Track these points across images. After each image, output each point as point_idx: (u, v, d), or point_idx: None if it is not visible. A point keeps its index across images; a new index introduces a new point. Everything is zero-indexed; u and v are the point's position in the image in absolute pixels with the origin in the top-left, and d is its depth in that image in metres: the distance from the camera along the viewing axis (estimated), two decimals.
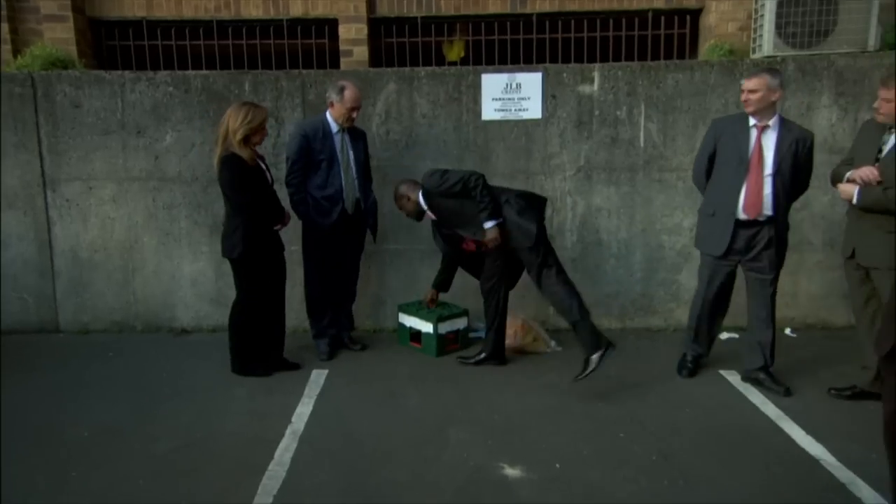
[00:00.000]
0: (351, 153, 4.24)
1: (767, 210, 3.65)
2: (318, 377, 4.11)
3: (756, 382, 3.88)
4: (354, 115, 4.16)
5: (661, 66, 4.77)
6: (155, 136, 4.85)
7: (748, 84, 3.61)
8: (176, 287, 5.03)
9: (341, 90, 4.08)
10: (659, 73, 4.72)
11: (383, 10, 5.60)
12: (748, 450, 3.18)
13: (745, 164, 3.65)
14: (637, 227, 4.91)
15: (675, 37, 5.50)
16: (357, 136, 4.33)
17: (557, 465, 3.06)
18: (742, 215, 3.68)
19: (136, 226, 4.96)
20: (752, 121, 3.66)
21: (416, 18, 5.56)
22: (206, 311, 5.04)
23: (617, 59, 5.37)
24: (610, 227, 4.92)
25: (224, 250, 3.91)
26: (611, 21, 5.50)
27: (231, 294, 5.06)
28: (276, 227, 3.98)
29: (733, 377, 4.04)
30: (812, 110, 4.67)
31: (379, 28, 5.62)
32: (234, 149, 3.71)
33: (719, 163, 3.78)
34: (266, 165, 3.99)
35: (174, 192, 4.92)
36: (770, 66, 3.96)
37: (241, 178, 3.74)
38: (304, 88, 4.82)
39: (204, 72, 4.86)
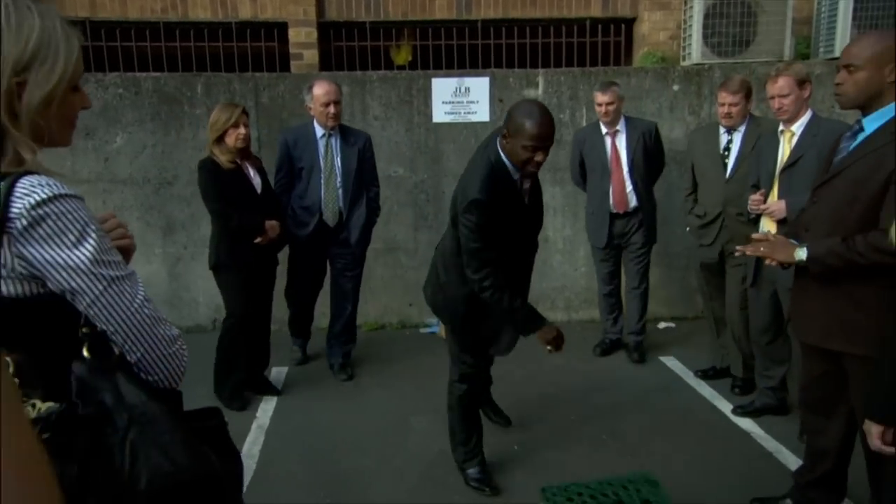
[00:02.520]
0: (338, 160, 3.92)
1: (633, 202, 4.22)
2: (278, 374, 4.20)
3: (623, 346, 4.55)
4: (332, 110, 3.81)
5: (601, 72, 5.07)
6: (105, 138, 4.82)
7: (602, 97, 4.12)
8: None
9: (309, 89, 3.86)
10: (598, 78, 5.01)
11: (332, 14, 5.70)
12: (688, 427, 3.47)
13: (607, 169, 4.23)
14: (581, 224, 5.18)
15: (611, 44, 5.82)
16: (352, 140, 3.99)
17: (516, 447, 3.27)
18: (614, 210, 4.24)
19: None
20: (604, 129, 4.22)
21: (364, 23, 5.68)
22: None
23: (559, 64, 5.64)
24: (556, 224, 5.18)
25: (207, 260, 3.74)
26: (552, 28, 5.78)
27: (186, 296, 5.09)
28: (256, 241, 3.59)
29: (672, 363, 4.35)
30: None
31: (328, 32, 5.72)
32: (213, 153, 3.54)
33: (588, 169, 4.36)
34: (261, 173, 3.72)
35: (125, 193, 4.89)
36: (612, 81, 4.29)
37: (211, 183, 3.52)
38: (257, 91, 4.89)
39: (155, 74, 4.86)
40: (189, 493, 1.02)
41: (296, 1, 5.52)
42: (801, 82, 3.12)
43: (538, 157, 2.51)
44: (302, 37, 5.58)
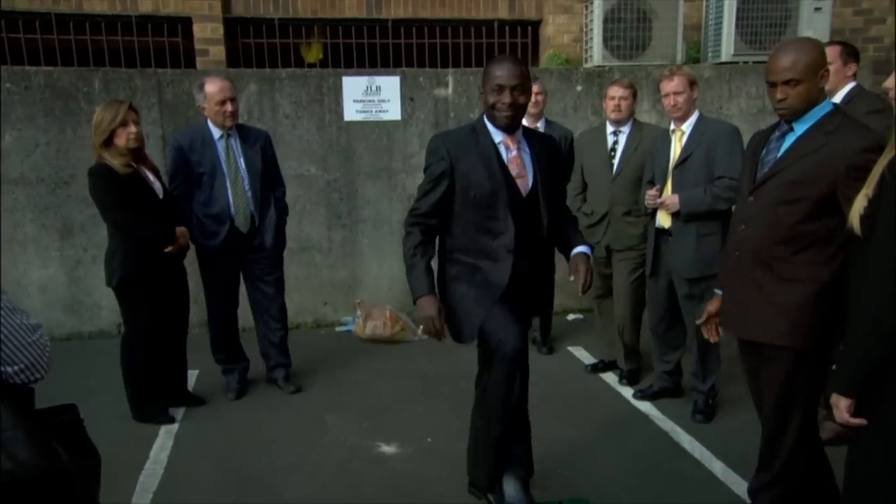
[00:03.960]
0: (241, 160, 3.64)
1: None
2: (189, 377, 4.09)
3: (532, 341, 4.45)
4: (229, 108, 3.55)
5: None
6: None
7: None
8: (23, 295, 4.72)
9: (201, 87, 3.58)
10: None
11: (239, 10, 5.59)
12: (595, 412, 3.65)
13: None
14: None
15: (518, 45, 6.00)
16: (252, 139, 3.73)
17: (429, 440, 3.35)
18: None
19: None
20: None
21: (273, 20, 5.61)
22: (58, 319, 4.79)
23: (468, 64, 5.76)
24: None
25: (106, 277, 3.41)
26: (461, 28, 5.89)
27: (88, 300, 4.87)
28: (167, 250, 3.35)
29: (580, 352, 4.55)
30: (637, 114, 5.33)
31: (235, 28, 5.60)
32: (104, 157, 3.22)
33: None
34: (158, 176, 3.46)
35: (17, 194, 4.63)
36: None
37: (110, 192, 3.21)
38: (161, 88, 4.74)
39: (47, 68, 4.62)
40: (35, 489, 1.02)
41: None
42: (692, 83, 3.35)
43: (504, 99, 2.37)
44: (207, 32, 5.45)
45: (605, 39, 5.29)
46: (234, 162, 3.64)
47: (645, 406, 3.69)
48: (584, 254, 2.53)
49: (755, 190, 2.27)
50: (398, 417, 3.60)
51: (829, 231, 2.14)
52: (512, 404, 2.52)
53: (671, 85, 3.32)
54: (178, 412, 3.63)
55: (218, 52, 5.46)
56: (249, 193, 3.66)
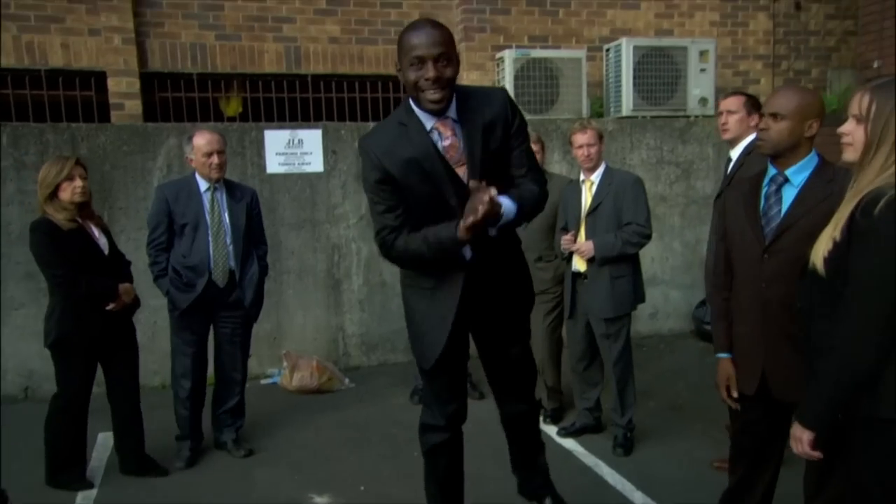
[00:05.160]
0: (226, 215, 3.62)
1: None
2: (105, 440, 3.93)
3: None
4: (216, 160, 3.52)
5: None
6: None
7: None
8: None
9: (189, 139, 3.57)
10: None
11: (156, 64, 5.58)
12: None
13: None
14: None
15: None
16: (238, 195, 3.72)
17: (362, 488, 3.37)
18: None
19: None
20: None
21: (191, 74, 5.63)
22: None
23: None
24: (393, 269, 5.38)
25: (44, 336, 3.27)
26: (379, 83, 6.10)
27: None
28: (108, 308, 3.26)
29: None
30: (547, 165, 5.65)
31: (152, 82, 5.58)
32: (47, 213, 3.17)
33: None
34: (105, 232, 3.41)
35: None
36: None
37: (48, 246, 3.13)
38: (75, 142, 4.65)
39: None
40: None
41: (115, 50, 5.35)
42: (601, 137, 3.65)
43: (428, 73, 2.03)
44: (123, 86, 5.40)
45: (516, 95, 5.60)
46: (218, 215, 3.60)
47: (569, 443, 3.85)
48: (495, 197, 2.05)
49: (769, 247, 2.20)
50: (329, 467, 3.60)
51: None
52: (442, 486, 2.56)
53: (584, 137, 3.57)
54: (98, 474, 3.48)
55: (134, 106, 5.41)
56: (231, 248, 3.62)
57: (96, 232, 3.34)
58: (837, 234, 1.73)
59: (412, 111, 2.19)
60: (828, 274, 1.75)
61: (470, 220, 2.00)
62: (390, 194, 2.19)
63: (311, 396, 4.68)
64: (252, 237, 3.75)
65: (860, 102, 1.74)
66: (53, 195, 3.15)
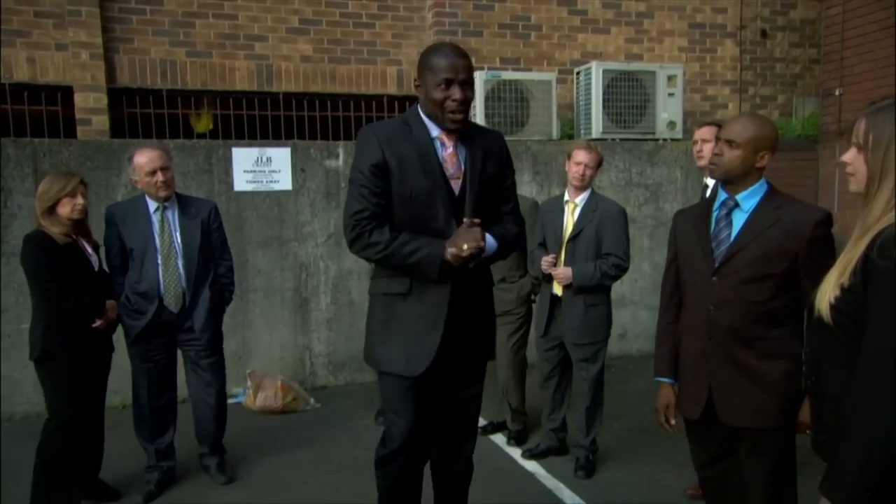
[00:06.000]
0: (177, 235, 3.46)
1: None
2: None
3: None
4: (160, 178, 3.36)
5: None
6: None
7: None
8: None
9: (130, 160, 3.42)
10: None
11: (124, 80, 5.54)
12: (481, 472, 3.71)
13: None
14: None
15: None
16: (193, 211, 3.55)
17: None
18: None
19: None
20: None
21: (161, 90, 5.60)
22: None
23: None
24: (361, 288, 5.37)
25: (29, 350, 3.19)
26: (351, 103, 6.11)
27: None
28: (94, 325, 3.22)
29: None
30: (518, 186, 5.69)
31: (120, 98, 5.53)
32: (43, 226, 3.13)
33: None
34: (96, 250, 3.36)
35: None
36: None
37: (43, 261, 3.09)
38: (36, 158, 4.58)
39: None
40: None
41: (82, 66, 5.31)
42: (600, 163, 3.67)
43: (455, 95, 2.17)
44: (90, 102, 5.35)
45: (487, 116, 5.65)
46: (168, 236, 3.44)
47: (532, 465, 3.84)
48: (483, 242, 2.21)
49: (719, 269, 2.22)
50: (290, 490, 3.55)
51: (798, 305, 2.16)
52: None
53: (586, 156, 3.56)
54: None
55: (101, 121, 5.36)
56: (182, 270, 3.46)
57: (89, 248, 3.31)
58: (846, 280, 1.55)
59: (419, 117, 2.29)
60: (836, 321, 1.59)
61: (461, 252, 2.14)
62: (380, 181, 2.22)
63: (275, 417, 4.62)
64: (209, 254, 3.60)
65: (858, 130, 1.60)
66: (52, 210, 3.11)
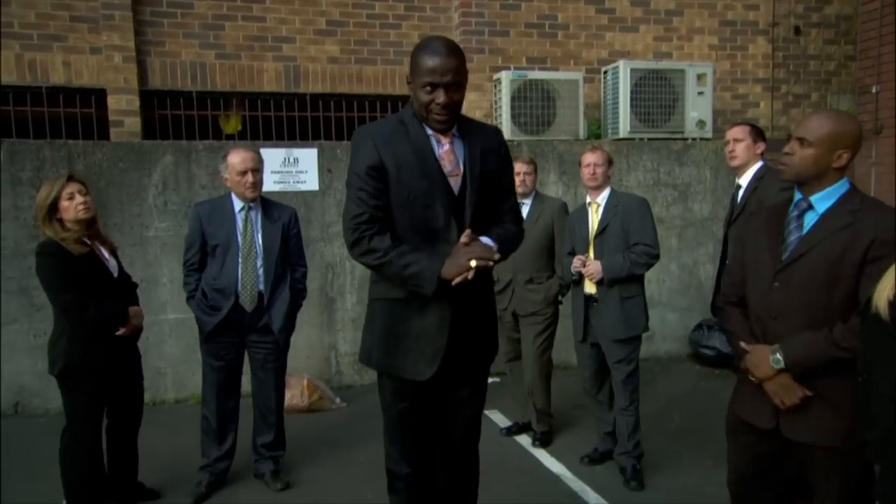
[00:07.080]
0: (259, 236, 3.47)
1: None
2: None
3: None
4: (250, 179, 3.38)
5: None
6: None
7: None
8: None
9: (224, 158, 3.45)
10: None
11: (156, 82, 5.64)
12: (506, 474, 3.73)
13: None
14: None
15: None
16: (275, 215, 3.57)
17: (370, 495, 3.33)
18: None
19: None
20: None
21: (191, 92, 5.68)
22: None
23: None
24: None
25: (48, 364, 3.08)
26: (378, 103, 6.14)
27: None
28: (119, 333, 3.12)
29: (495, 416, 4.64)
30: (543, 186, 5.65)
31: (152, 100, 5.63)
32: (50, 236, 3.00)
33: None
34: (114, 254, 3.26)
35: None
36: None
37: (56, 270, 2.97)
38: (71, 159, 4.68)
39: None
40: None
41: (115, 69, 5.41)
42: (610, 161, 3.68)
43: (439, 99, 2.08)
44: (123, 104, 5.46)
45: (513, 116, 5.63)
46: (250, 236, 3.47)
47: (558, 467, 3.80)
48: (479, 240, 2.18)
49: (780, 272, 2.08)
50: (316, 489, 3.56)
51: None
52: None
53: (593, 157, 3.60)
54: None
55: (133, 123, 5.47)
56: (261, 270, 3.46)
57: (105, 254, 3.20)
58: None
59: (414, 116, 2.22)
60: (894, 318, 1.52)
61: (467, 271, 2.08)
62: (378, 183, 2.15)
63: (301, 416, 4.65)
64: (288, 258, 3.60)
65: None
66: (51, 217, 3.00)
